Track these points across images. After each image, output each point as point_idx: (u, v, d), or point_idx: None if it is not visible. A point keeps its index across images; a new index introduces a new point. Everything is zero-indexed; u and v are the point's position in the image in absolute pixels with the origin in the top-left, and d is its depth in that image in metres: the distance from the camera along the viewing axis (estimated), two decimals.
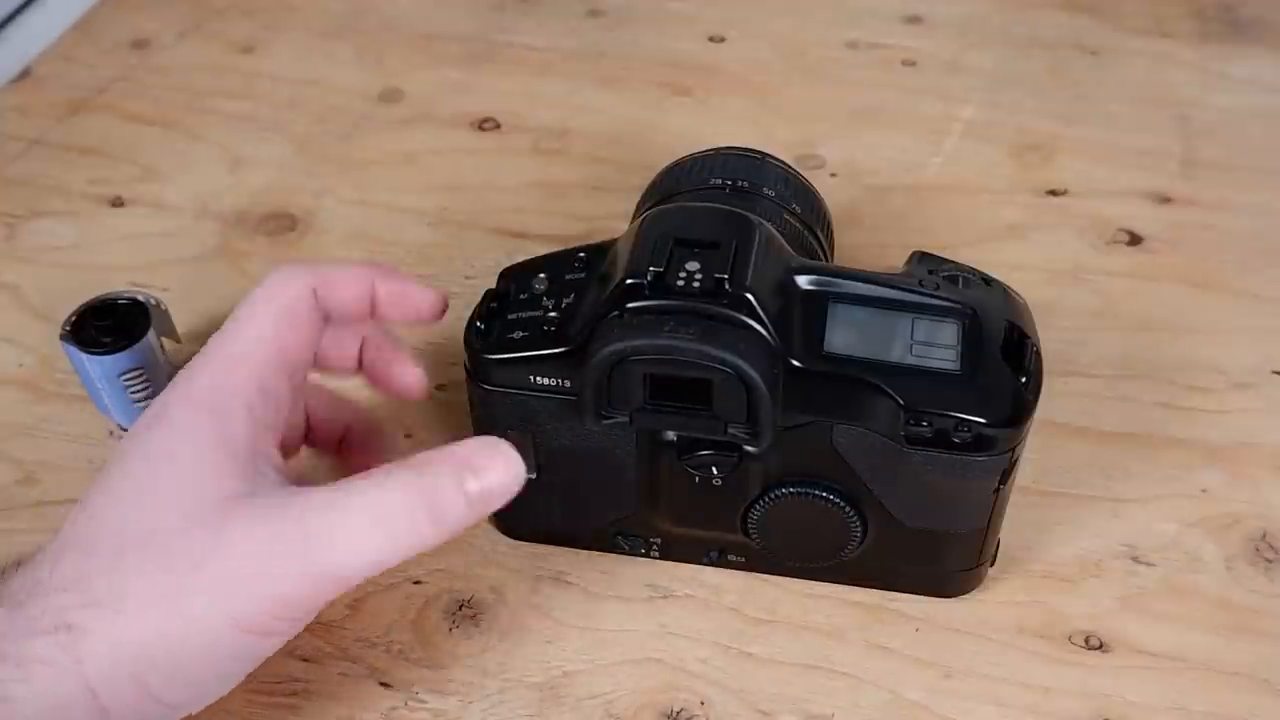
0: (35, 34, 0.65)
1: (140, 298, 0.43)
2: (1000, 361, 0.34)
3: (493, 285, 0.37)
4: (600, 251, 0.36)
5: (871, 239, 0.50)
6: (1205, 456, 0.43)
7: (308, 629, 0.38)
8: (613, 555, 0.40)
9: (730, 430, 0.33)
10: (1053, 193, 0.54)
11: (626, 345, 0.32)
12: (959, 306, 0.35)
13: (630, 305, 0.33)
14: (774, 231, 0.36)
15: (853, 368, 0.33)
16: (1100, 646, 0.38)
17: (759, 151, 0.43)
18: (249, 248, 0.52)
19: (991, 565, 0.38)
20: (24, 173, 0.56)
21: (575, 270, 0.36)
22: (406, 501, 0.30)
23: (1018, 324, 0.35)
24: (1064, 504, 0.42)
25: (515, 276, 0.37)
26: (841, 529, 0.36)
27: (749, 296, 0.32)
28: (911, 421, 0.33)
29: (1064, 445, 0.43)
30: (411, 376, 0.37)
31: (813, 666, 0.38)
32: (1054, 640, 0.38)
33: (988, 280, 0.36)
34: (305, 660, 0.38)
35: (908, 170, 0.55)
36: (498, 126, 0.58)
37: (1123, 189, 0.54)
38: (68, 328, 0.42)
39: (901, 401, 0.33)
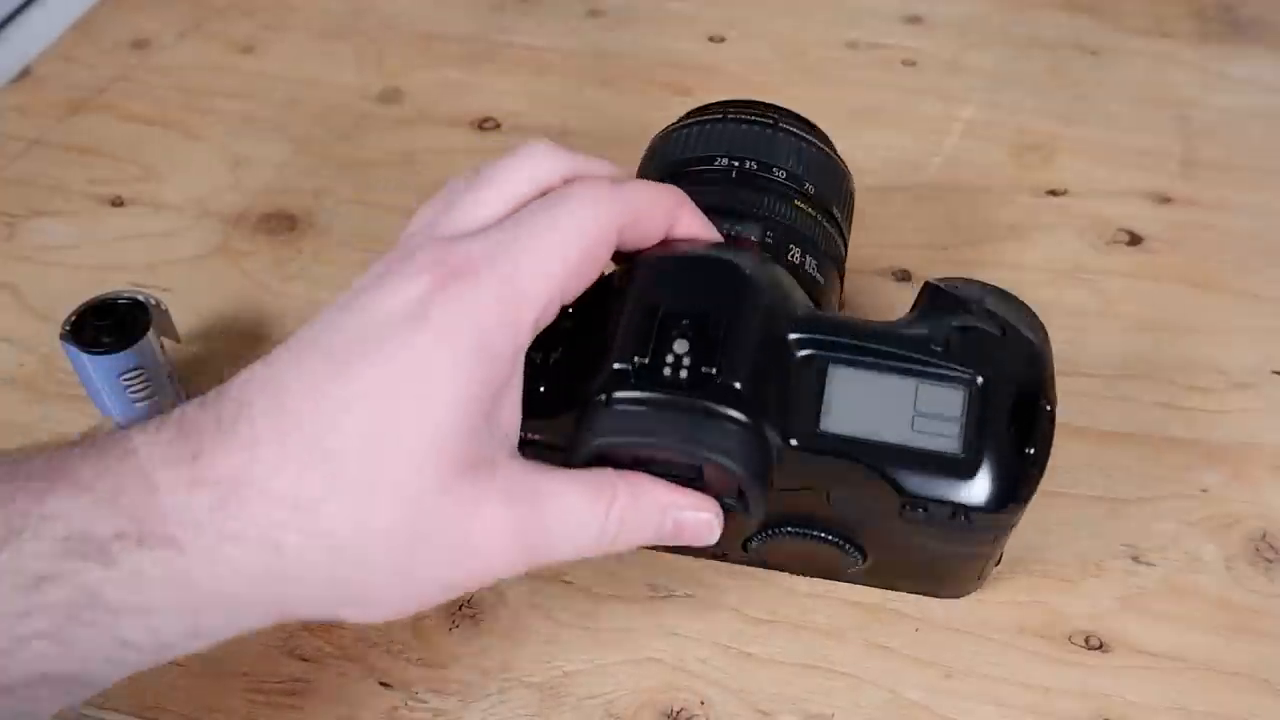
0: (35, 34, 0.65)
1: (140, 298, 0.43)
2: (1006, 435, 0.32)
3: None
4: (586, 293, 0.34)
5: (872, 239, 0.50)
6: (1205, 456, 0.43)
7: (308, 629, 0.38)
8: (613, 555, 0.40)
9: (723, 500, 0.33)
10: (1053, 193, 0.54)
11: (612, 440, 0.31)
12: (966, 375, 0.33)
13: (617, 395, 0.31)
14: (774, 276, 0.34)
15: (850, 448, 0.32)
16: (1100, 646, 0.38)
17: (771, 113, 0.40)
18: (249, 248, 0.52)
19: (997, 564, 0.38)
20: (24, 173, 0.56)
21: (562, 319, 0.33)
22: (617, 519, 0.31)
23: (1030, 386, 0.33)
24: (1064, 504, 0.42)
25: None
26: (842, 558, 0.36)
27: (738, 387, 0.31)
28: (908, 506, 0.33)
29: (1064, 445, 0.43)
30: None
31: (812, 666, 0.38)
32: (1054, 640, 0.38)
33: (1004, 329, 0.34)
34: (305, 660, 0.38)
35: (908, 170, 0.55)
36: (498, 126, 0.58)
37: (1123, 189, 0.54)
38: (68, 328, 0.42)
39: (899, 489, 0.32)
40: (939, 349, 0.33)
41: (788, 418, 0.32)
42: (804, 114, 0.42)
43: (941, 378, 0.33)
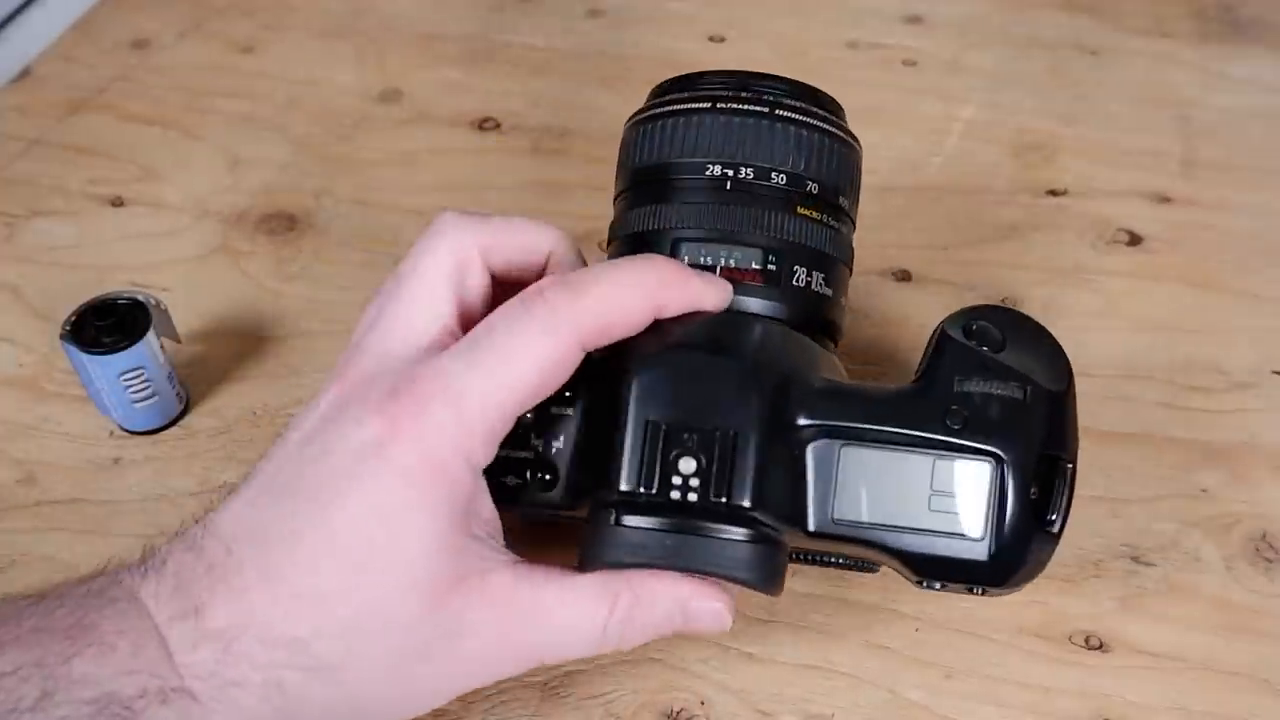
0: (35, 34, 0.65)
1: (140, 298, 0.43)
2: (1025, 510, 0.31)
3: None
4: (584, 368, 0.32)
5: (872, 239, 0.49)
6: (1205, 456, 0.43)
7: None
8: None
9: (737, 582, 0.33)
10: (1053, 193, 0.54)
11: (622, 561, 0.32)
12: (986, 452, 0.32)
13: (625, 520, 0.31)
14: (779, 354, 0.33)
15: (866, 533, 0.32)
16: (1100, 646, 0.38)
17: (767, 95, 0.35)
18: (249, 248, 0.52)
19: None
20: (24, 173, 0.56)
21: (562, 401, 0.33)
22: (626, 622, 0.32)
23: (1052, 447, 0.32)
24: None
25: None
26: (855, 570, 0.37)
27: (747, 505, 0.31)
28: (924, 584, 0.33)
29: None
30: None
31: (812, 666, 0.38)
32: (1054, 640, 0.38)
33: (1025, 389, 0.32)
34: None
35: (908, 170, 0.55)
36: (498, 126, 0.58)
37: (1123, 189, 0.54)
38: (68, 328, 0.42)
39: (914, 575, 0.32)
40: (956, 425, 0.32)
41: (800, 510, 0.32)
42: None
43: (959, 456, 0.32)
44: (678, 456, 0.31)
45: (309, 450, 0.30)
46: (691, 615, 0.32)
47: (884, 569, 0.37)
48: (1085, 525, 0.41)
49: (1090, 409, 0.44)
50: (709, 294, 0.33)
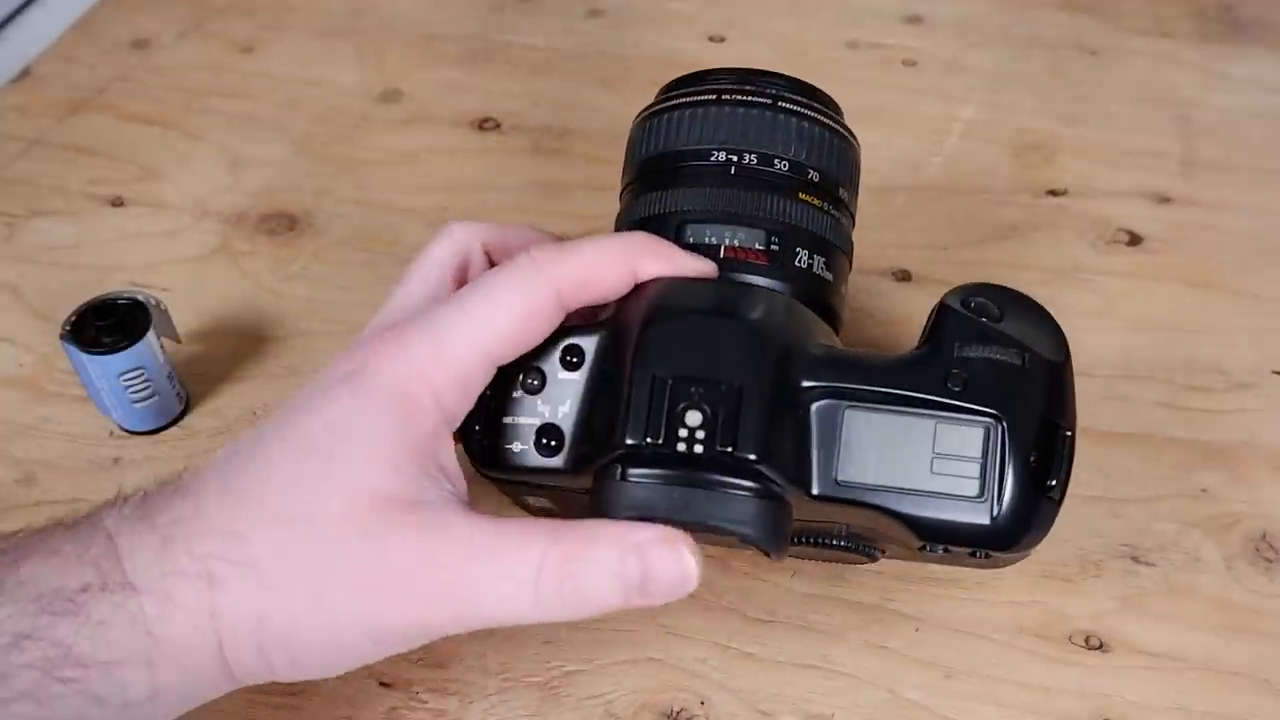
0: (35, 34, 0.65)
1: (140, 298, 0.43)
2: (1027, 471, 0.32)
3: None
4: (589, 334, 0.33)
5: (872, 239, 0.50)
6: (1205, 456, 0.43)
7: None
8: None
9: (743, 541, 0.33)
10: (1053, 193, 0.54)
11: (628, 515, 0.31)
12: (986, 414, 0.32)
13: (631, 472, 0.31)
14: (783, 318, 0.33)
15: (869, 495, 0.32)
16: (1100, 646, 0.38)
17: (769, 88, 0.37)
18: (249, 248, 0.52)
19: None
20: (24, 173, 0.56)
21: (568, 366, 0.33)
22: (558, 574, 0.29)
23: (1051, 413, 0.32)
24: (1064, 504, 0.41)
25: (505, 366, 0.33)
26: (854, 557, 0.37)
27: (753, 458, 0.31)
28: (927, 546, 0.33)
29: None
30: None
31: (812, 666, 0.38)
32: (1054, 640, 0.38)
33: (1024, 356, 0.33)
34: None
35: (908, 170, 0.55)
36: (498, 126, 0.58)
37: (1123, 189, 0.54)
38: (68, 328, 0.42)
39: (917, 536, 0.32)
40: (957, 388, 0.32)
41: (805, 471, 0.32)
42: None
43: (960, 418, 0.32)
44: (684, 409, 0.31)
45: (300, 390, 0.32)
46: (650, 562, 0.29)
47: (882, 565, 0.37)
48: (1085, 525, 0.41)
49: (1090, 409, 0.44)
50: (691, 265, 0.34)
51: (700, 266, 0.34)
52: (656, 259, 0.33)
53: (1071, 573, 0.40)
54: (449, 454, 0.32)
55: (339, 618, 0.29)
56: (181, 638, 0.29)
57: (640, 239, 0.34)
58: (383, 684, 0.37)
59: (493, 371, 0.32)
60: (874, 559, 0.36)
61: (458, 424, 0.32)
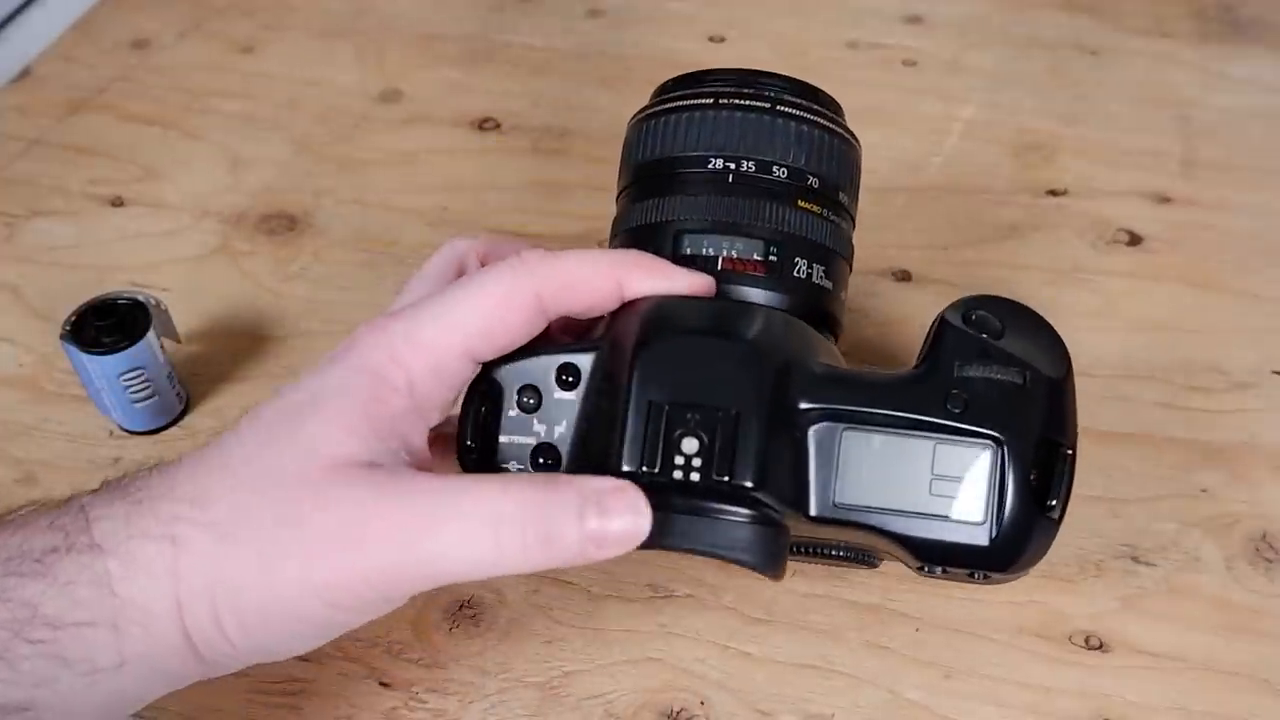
0: (35, 34, 0.65)
1: (140, 298, 0.43)
2: (1025, 494, 0.32)
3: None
4: (585, 353, 0.33)
5: (872, 239, 0.50)
6: (1205, 456, 0.43)
7: None
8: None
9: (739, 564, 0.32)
10: (1053, 193, 0.54)
11: None
12: (986, 436, 0.32)
13: None
14: (781, 337, 0.33)
15: (867, 517, 0.32)
16: (1100, 646, 0.38)
17: (768, 92, 0.36)
18: (249, 248, 0.52)
19: None
20: (24, 173, 0.56)
21: (564, 386, 0.33)
22: (520, 515, 0.29)
23: (1052, 432, 0.32)
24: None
25: (501, 383, 0.34)
26: (852, 565, 0.37)
27: (749, 486, 0.30)
28: (925, 569, 0.33)
29: None
30: None
31: (812, 666, 0.38)
32: (1054, 640, 0.38)
33: (1025, 375, 0.32)
34: (305, 660, 0.38)
35: (908, 170, 0.55)
36: (498, 126, 0.58)
37: (1123, 189, 0.54)
38: (68, 328, 0.42)
39: (915, 557, 0.32)
40: (957, 410, 0.32)
41: (802, 494, 0.32)
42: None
43: (960, 440, 0.32)
44: (680, 436, 0.31)
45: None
46: (606, 508, 0.29)
47: (883, 565, 0.37)
48: (1085, 525, 0.41)
49: (1089, 409, 0.44)
50: (683, 280, 0.33)
51: (695, 282, 0.33)
52: (647, 275, 0.33)
53: (1071, 573, 0.40)
54: (420, 439, 0.32)
55: (285, 576, 0.29)
56: (145, 600, 0.29)
57: (632, 254, 0.34)
58: (383, 684, 0.37)
59: (471, 366, 0.32)
60: (874, 566, 0.36)
61: (434, 413, 0.32)
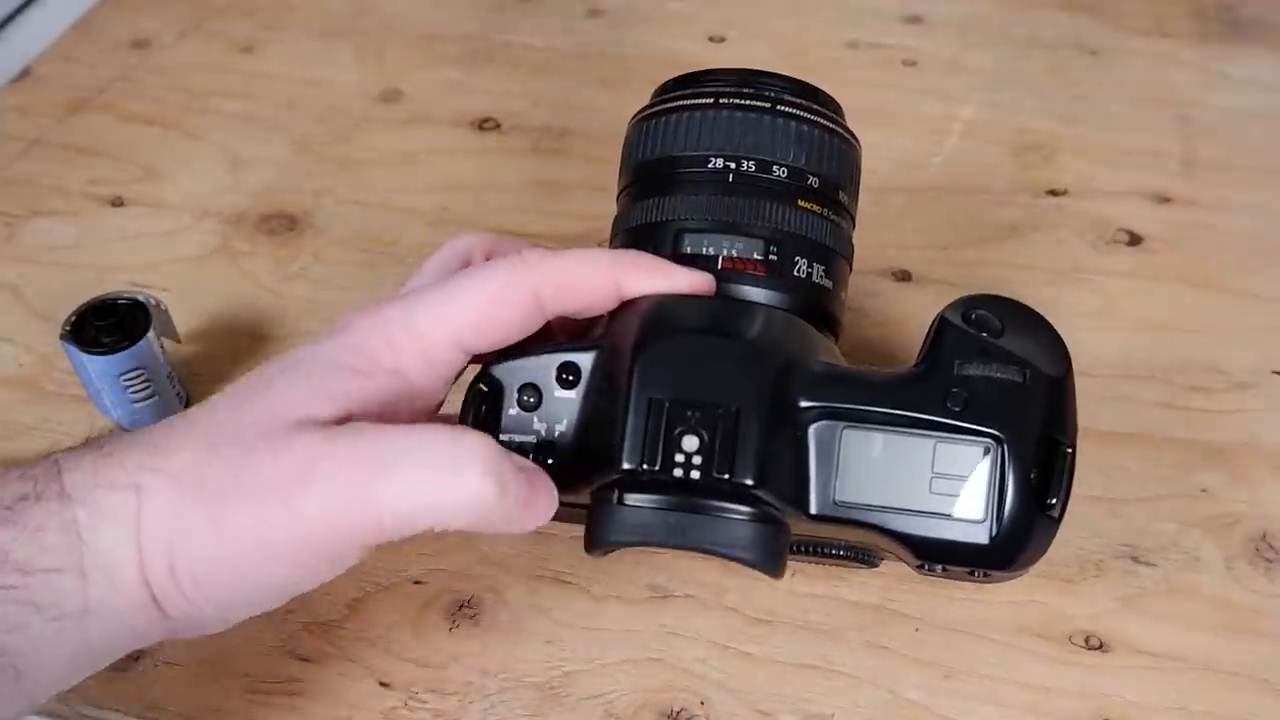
0: (35, 34, 0.65)
1: (140, 298, 0.43)
2: (1025, 493, 0.32)
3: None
4: (585, 352, 0.33)
5: (872, 239, 0.50)
6: (1205, 456, 0.43)
7: (307, 629, 0.38)
8: (613, 555, 0.40)
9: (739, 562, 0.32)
10: (1053, 193, 0.54)
11: (624, 539, 0.32)
12: (986, 435, 0.32)
13: (628, 497, 0.31)
14: (781, 336, 0.33)
15: (867, 515, 0.32)
16: (1100, 646, 0.38)
17: (768, 92, 0.36)
18: (249, 248, 0.52)
19: None
20: (24, 173, 0.56)
21: (564, 384, 0.33)
22: (474, 456, 0.29)
23: (1052, 430, 0.32)
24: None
25: (501, 382, 0.34)
26: (853, 564, 0.37)
27: (749, 484, 0.31)
28: (925, 566, 0.33)
29: None
30: None
31: (812, 666, 0.38)
32: (1054, 640, 0.38)
33: (1025, 373, 0.32)
34: (305, 660, 0.38)
35: (908, 170, 0.55)
36: (498, 126, 0.58)
37: (1123, 189, 0.54)
38: (68, 328, 0.42)
39: (915, 555, 0.32)
40: (957, 408, 0.32)
41: (802, 492, 0.32)
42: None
43: (960, 438, 0.32)
44: (681, 434, 0.31)
45: None
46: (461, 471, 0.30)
47: (883, 565, 0.37)
48: (1085, 525, 0.41)
49: (1089, 409, 0.44)
50: (686, 280, 0.33)
51: (696, 280, 0.34)
52: (647, 275, 0.33)
53: (1071, 573, 0.40)
54: (388, 404, 0.32)
55: (234, 525, 0.29)
56: (109, 547, 0.29)
57: (631, 253, 0.34)
58: (382, 684, 0.37)
59: (463, 357, 0.33)
60: (874, 565, 0.36)
61: (421, 401, 0.32)
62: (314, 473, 0.29)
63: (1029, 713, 0.37)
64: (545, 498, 0.31)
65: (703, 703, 0.37)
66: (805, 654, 0.38)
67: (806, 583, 0.40)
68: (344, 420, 0.30)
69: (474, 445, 0.30)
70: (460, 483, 0.29)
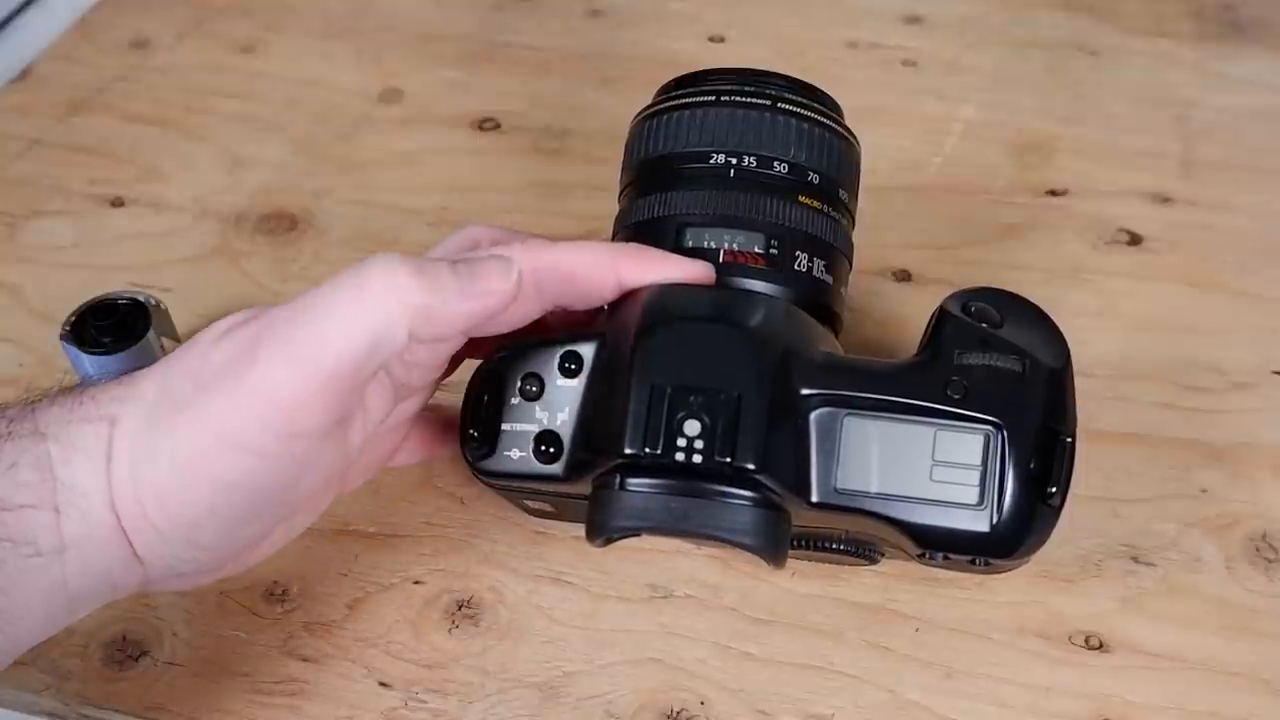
0: (35, 34, 0.65)
1: (140, 298, 0.43)
2: (1028, 479, 0.32)
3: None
4: (587, 341, 0.34)
5: (872, 239, 0.50)
6: (1205, 456, 0.43)
7: (307, 630, 0.38)
8: (613, 554, 0.40)
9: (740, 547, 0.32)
10: (1053, 193, 0.54)
11: (626, 525, 0.32)
12: (986, 422, 0.32)
13: (630, 482, 0.31)
14: (782, 325, 0.33)
15: (868, 503, 0.32)
16: (1100, 646, 0.38)
17: (768, 88, 0.37)
18: (249, 248, 0.52)
19: None
20: (24, 173, 0.56)
21: (566, 373, 0.33)
22: (394, 268, 0.30)
23: (1052, 419, 0.32)
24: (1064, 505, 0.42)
25: (503, 372, 0.34)
26: (854, 560, 0.37)
27: (751, 468, 0.31)
28: (926, 554, 0.33)
29: None
30: None
31: (812, 666, 0.38)
32: (1054, 640, 0.38)
33: (1024, 363, 0.33)
34: (305, 660, 0.38)
35: (908, 170, 0.55)
36: (498, 126, 0.58)
37: (1123, 189, 0.54)
38: (68, 328, 0.42)
39: (916, 544, 0.32)
40: (957, 396, 0.32)
41: (804, 479, 0.32)
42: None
43: (960, 425, 0.32)
44: (683, 418, 0.31)
45: None
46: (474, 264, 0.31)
47: (883, 565, 0.37)
48: (1085, 525, 0.41)
49: (1089, 409, 0.44)
50: (686, 269, 0.34)
51: (695, 271, 0.34)
52: (646, 265, 0.33)
53: (1071, 573, 0.40)
54: (378, 401, 0.32)
55: (188, 426, 0.29)
56: (81, 480, 0.29)
57: (631, 246, 0.34)
58: (382, 684, 0.37)
59: (460, 339, 0.33)
60: (875, 561, 0.36)
61: (414, 373, 0.33)
62: (256, 351, 0.29)
63: (1029, 713, 0.37)
64: (489, 270, 0.31)
65: (703, 703, 0.37)
66: (805, 654, 0.38)
67: (806, 583, 0.40)
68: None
69: (375, 260, 0.30)
70: (391, 305, 0.29)
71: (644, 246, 0.34)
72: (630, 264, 0.33)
